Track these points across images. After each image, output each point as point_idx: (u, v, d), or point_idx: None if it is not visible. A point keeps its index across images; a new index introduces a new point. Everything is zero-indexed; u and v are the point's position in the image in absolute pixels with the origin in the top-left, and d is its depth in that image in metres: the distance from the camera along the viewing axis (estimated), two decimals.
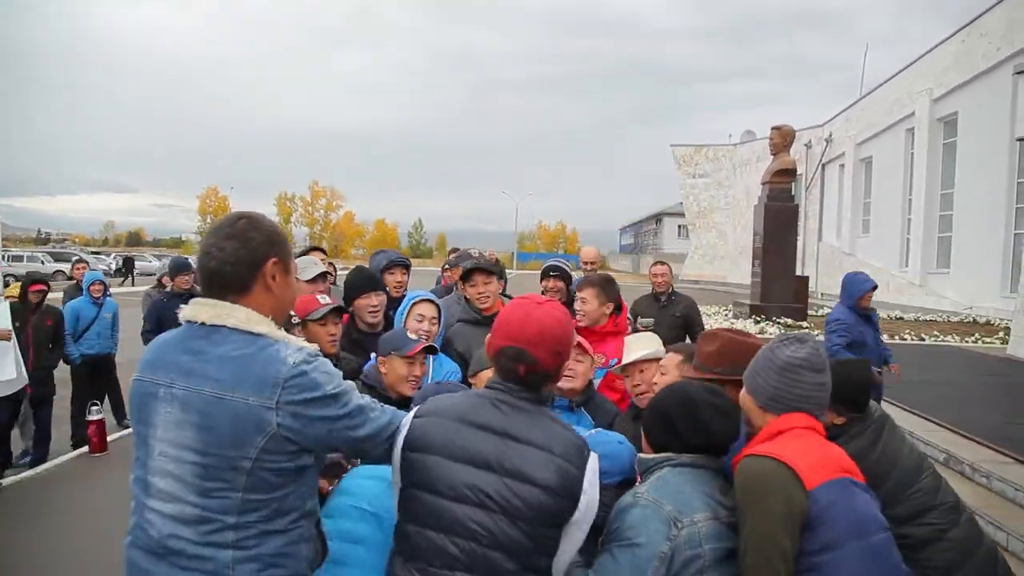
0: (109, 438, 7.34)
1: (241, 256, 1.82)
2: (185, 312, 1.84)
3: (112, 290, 8.63)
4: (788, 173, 15.43)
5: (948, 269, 19.00)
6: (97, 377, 7.90)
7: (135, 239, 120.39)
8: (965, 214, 18.17)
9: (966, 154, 18.23)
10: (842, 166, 26.46)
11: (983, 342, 12.70)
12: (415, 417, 1.87)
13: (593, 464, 1.83)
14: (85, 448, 7.38)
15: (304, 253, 5.70)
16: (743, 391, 2.09)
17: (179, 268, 7.28)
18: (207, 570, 1.72)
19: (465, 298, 3.95)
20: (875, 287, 5.80)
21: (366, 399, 1.88)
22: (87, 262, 11.75)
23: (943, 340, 12.81)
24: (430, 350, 3.07)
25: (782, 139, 15.35)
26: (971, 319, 15.76)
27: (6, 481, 6.43)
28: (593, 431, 2.40)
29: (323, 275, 4.19)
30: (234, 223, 1.87)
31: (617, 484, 2.16)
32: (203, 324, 1.81)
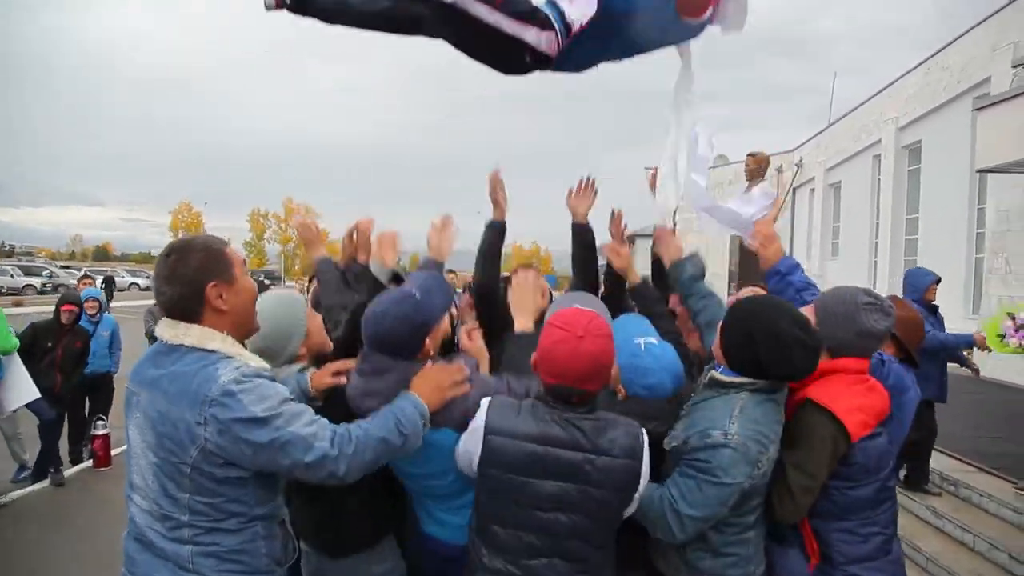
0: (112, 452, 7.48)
1: (183, 293, 1.97)
2: (157, 330, 2.04)
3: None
4: None
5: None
6: (95, 395, 7.91)
7: (102, 253, 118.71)
8: (930, 238, 18.83)
9: (930, 181, 18.92)
10: (812, 191, 27.16)
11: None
12: (489, 435, 2.07)
13: (646, 448, 2.11)
14: (88, 463, 7.51)
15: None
16: (812, 319, 2.31)
17: None
18: (173, 562, 1.89)
19: None
20: (939, 280, 5.97)
21: (313, 427, 1.94)
22: (92, 278, 11.67)
23: None
24: None
25: (757, 165, 15.62)
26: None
27: (14, 495, 6.51)
28: (646, 342, 2.41)
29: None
30: (165, 261, 1.99)
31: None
32: (165, 343, 1.99)
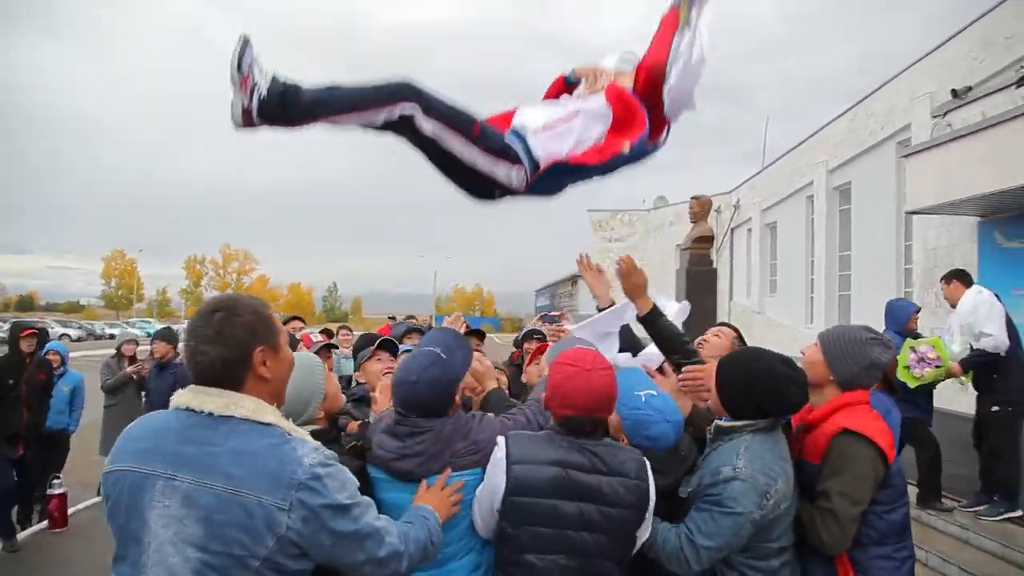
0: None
1: (227, 358, 1.74)
2: (184, 399, 1.74)
3: None
4: (707, 240, 16.53)
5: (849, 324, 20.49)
6: (51, 453, 7.25)
7: (27, 303, 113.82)
8: (862, 274, 19.79)
9: (860, 220, 19.95)
10: (749, 230, 28.22)
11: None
12: (512, 464, 2.18)
13: (650, 471, 2.28)
14: (42, 524, 6.93)
15: (285, 323, 6.06)
16: (820, 362, 2.61)
17: (163, 337, 7.39)
18: None
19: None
20: (919, 309, 6.27)
21: (382, 521, 1.83)
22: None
23: None
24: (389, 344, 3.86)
25: (701, 208, 16.47)
26: None
27: None
28: (647, 394, 2.49)
29: (327, 347, 4.32)
30: (209, 320, 1.76)
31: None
32: (209, 414, 1.71)
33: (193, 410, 1.72)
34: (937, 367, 5.51)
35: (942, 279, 6.48)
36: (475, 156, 2.58)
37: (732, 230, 29.95)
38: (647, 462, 2.29)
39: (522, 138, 2.73)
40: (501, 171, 2.65)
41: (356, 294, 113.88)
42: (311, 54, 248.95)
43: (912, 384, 5.63)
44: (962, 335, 5.89)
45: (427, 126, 2.50)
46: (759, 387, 2.37)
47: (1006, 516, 6.02)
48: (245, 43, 2.32)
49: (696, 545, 2.30)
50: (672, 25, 2.82)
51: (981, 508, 6.18)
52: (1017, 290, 9.90)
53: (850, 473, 2.43)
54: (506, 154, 2.67)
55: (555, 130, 2.80)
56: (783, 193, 24.81)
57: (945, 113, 11.47)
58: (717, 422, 2.51)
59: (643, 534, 2.30)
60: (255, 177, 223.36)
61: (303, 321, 6.07)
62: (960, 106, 11.07)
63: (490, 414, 2.60)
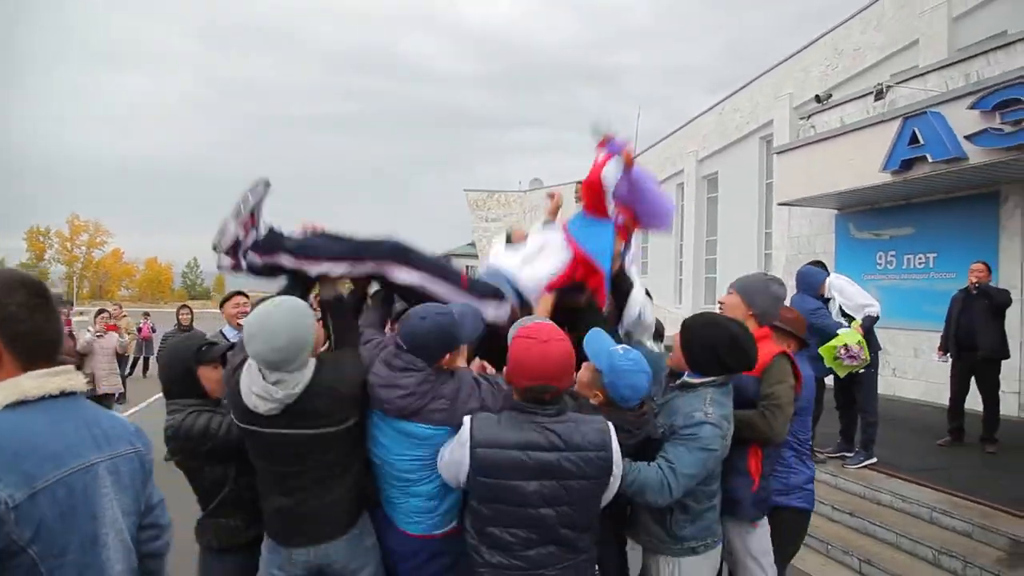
0: None
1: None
2: (47, 384, 1.60)
3: None
4: None
5: (715, 305, 22.17)
6: None
7: None
8: (727, 258, 21.44)
9: (725, 207, 21.57)
10: None
11: None
12: (476, 447, 2.32)
13: (615, 439, 2.43)
14: None
15: (227, 299, 6.03)
16: (739, 303, 3.33)
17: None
18: None
19: None
20: (828, 274, 6.92)
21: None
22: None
23: None
24: None
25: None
26: None
27: None
28: (622, 348, 2.74)
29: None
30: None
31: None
32: (71, 392, 1.66)
33: (59, 395, 1.62)
34: (862, 360, 6.38)
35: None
36: (463, 298, 2.90)
37: None
38: (611, 430, 2.45)
39: (507, 278, 3.17)
40: (490, 310, 2.98)
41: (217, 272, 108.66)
42: (175, 19, 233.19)
43: (842, 373, 6.49)
44: (843, 314, 6.84)
45: (412, 278, 2.85)
46: (725, 348, 2.80)
47: (866, 464, 7.13)
48: (266, 186, 2.70)
49: (677, 473, 2.65)
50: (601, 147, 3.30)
51: (849, 457, 7.26)
52: (867, 275, 11.31)
53: (787, 383, 3.16)
54: (496, 296, 3.03)
55: (533, 263, 3.28)
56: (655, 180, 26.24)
57: (810, 116, 12.77)
58: (686, 378, 2.92)
59: (608, 497, 2.49)
60: (108, 145, 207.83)
61: (246, 296, 6.07)
62: (822, 110, 12.36)
63: (472, 383, 2.66)
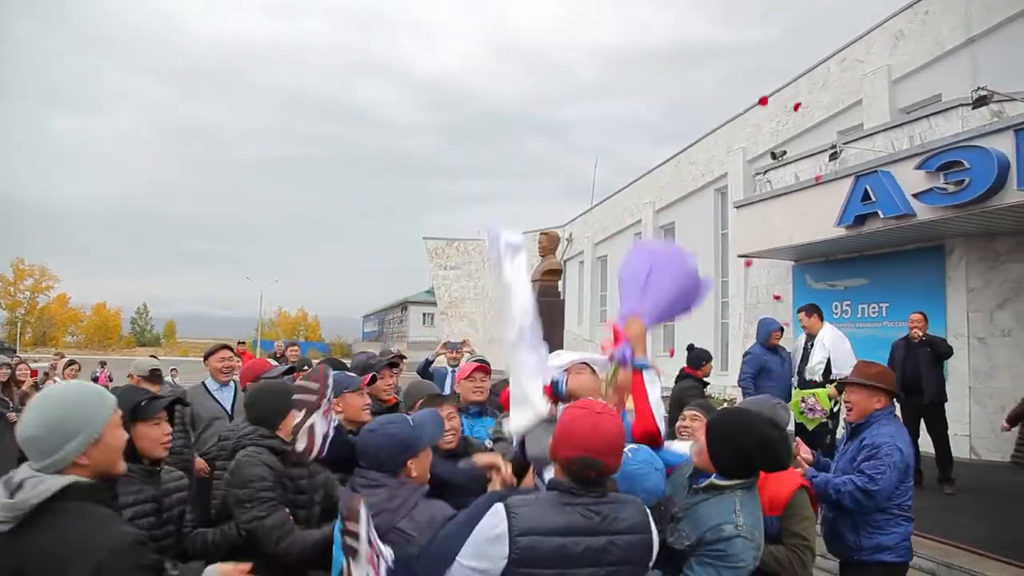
0: None
1: None
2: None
3: None
4: (555, 272, 17.74)
5: (673, 355, 22.69)
6: None
7: None
8: None
9: None
10: (582, 263, 30.21)
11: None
12: (517, 536, 2.09)
13: (651, 520, 2.30)
14: None
15: (213, 352, 5.99)
16: None
17: None
18: None
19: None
20: (782, 328, 7.56)
21: None
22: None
23: None
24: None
25: (549, 243, 17.57)
26: None
27: None
28: (628, 450, 2.53)
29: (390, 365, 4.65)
30: None
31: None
32: None
33: None
34: (822, 415, 6.75)
35: (801, 310, 7.84)
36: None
37: (565, 262, 31.85)
38: (648, 512, 2.31)
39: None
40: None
41: (169, 316, 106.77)
42: (124, 58, 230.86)
43: (810, 427, 6.83)
44: (820, 362, 7.24)
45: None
46: (755, 450, 2.55)
47: None
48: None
49: None
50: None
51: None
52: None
53: (810, 519, 3.05)
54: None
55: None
56: (613, 228, 26.92)
57: (766, 171, 13.42)
58: (713, 480, 2.63)
59: None
60: (53, 187, 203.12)
61: (231, 349, 5.89)
62: (778, 166, 13.02)
63: (430, 502, 2.56)
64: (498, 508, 2.16)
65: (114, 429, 2.00)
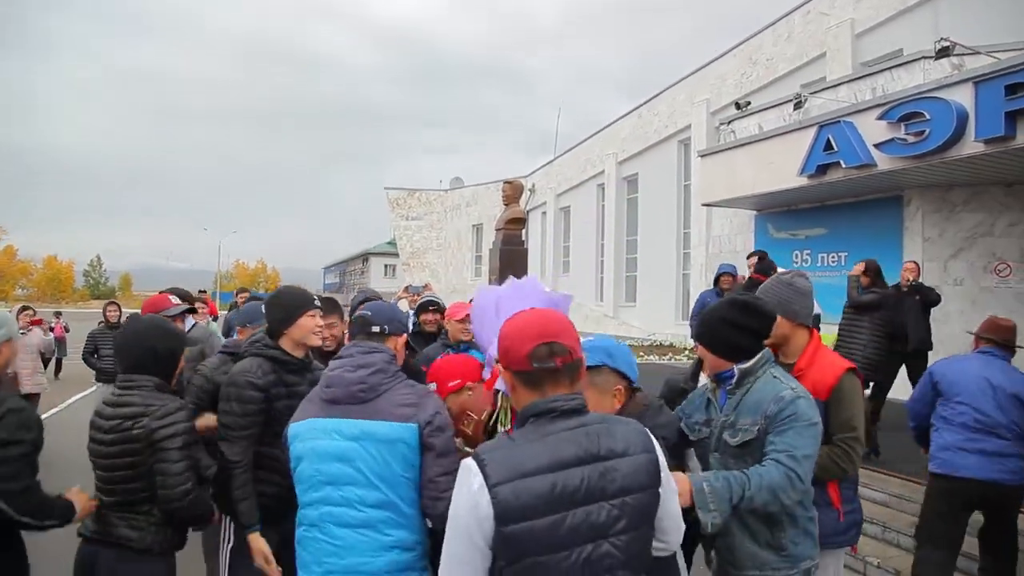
0: None
1: None
2: None
3: None
4: (519, 221, 17.81)
5: (635, 303, 23.01)
6: None
7: None
8: (646, 256, 22.27)
9: (645, 207, 22.39)
10: (544, 213, 30.22)
11: (675, 359, 16.07)
12: (494, 486, 1.61)
13: (652, 437, 1.82)
14: None
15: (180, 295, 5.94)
16: (781, 320, 2.67)
17: None
18: None
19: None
20: (732, 273, 7.75)
21: None
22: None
23: (647, 359, 15.96)
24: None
25: (513, 191, 17.66)
26: (657, 343, 19.47)
27: None
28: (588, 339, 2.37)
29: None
30: None
31: None
32: None
33: None
34: None
35: (752, 255, 7.92)
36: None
37: (528, 212, 31.82)
38: (647, 431, 1.83)
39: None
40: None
41: (124, 269, 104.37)
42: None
43: None
44: None
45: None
46: (746, 322, 2.47)
47: None
48: None
49: (799, 458, 2.31)
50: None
51: None
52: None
53: (859, 405, 2.76)
54: None
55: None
56: (576, 180, 26.95)
57: (730, 121, 13.52)
58: (739, 366, 2.49)
59: (669, 526, 1.85)
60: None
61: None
62: (741, 116, 13.13)
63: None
64: (466, 464, 1.69)
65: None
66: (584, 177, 26.27)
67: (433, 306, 5.37)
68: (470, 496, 1.63)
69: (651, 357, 16.33)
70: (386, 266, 60.86)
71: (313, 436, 2.28)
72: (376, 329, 2.46)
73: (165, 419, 2.59)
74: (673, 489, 1.87)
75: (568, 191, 28.02)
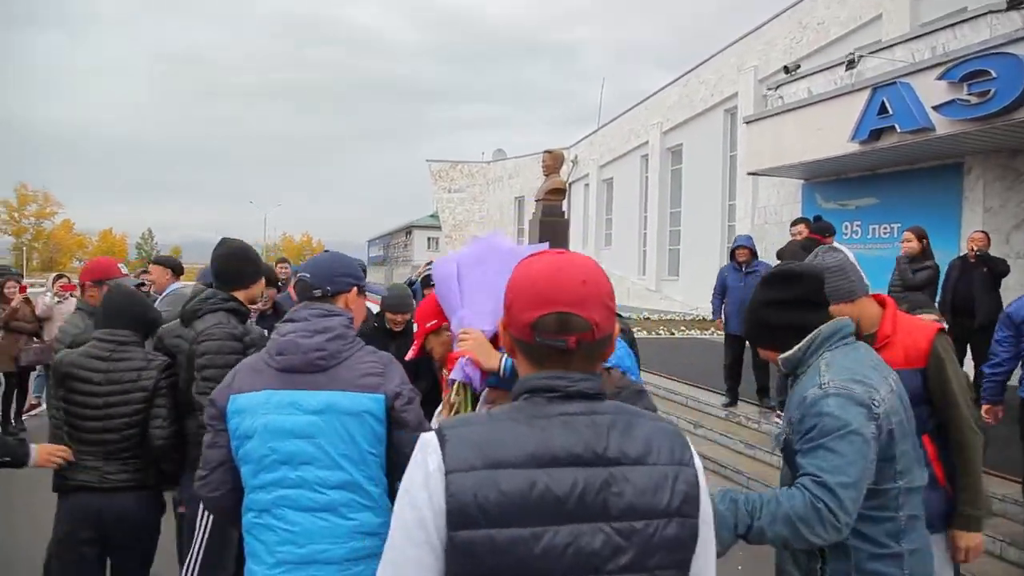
0: None
1: None
2: None
3: None
4: (559, 192, 17.44)
5: (678, 276, 22.50)
6: None
7: None
8: (689, 229, 21.70)
9: (690, 179, 21.78)
10: (587, 185, 29.74)
11: (717, 334, 15.60)
12: (450, 472, 1.12)
13: (691, 447, 1.27)
14: None
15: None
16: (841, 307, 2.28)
17: None
18: None
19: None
20: (748, 247, 7.58)
21: None
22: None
23: (688, 334, 15.54)
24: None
25: (554, 161, 17.31)
26: (700, 317, 18.99)
27: None
28: None
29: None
30: None
31: None
32: None
33: None
34: None
35: (796, 222, 7.45)
36: None
37: (571, 184, 31.37)
38: (681, 433, 1.28)
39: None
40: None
41: (174, 241, 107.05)
42: None
43: None
44: None
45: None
46: (788, 294, 2.08)
47: None
48: None
49: (830, 487, 1.76)
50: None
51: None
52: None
53: (955, 365, 2.46)
54: None
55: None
56: (620, 151, 26.38)
57: (778, 86, 12.91)
58: (780, 359, 2.12)
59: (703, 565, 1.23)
60: (50, 112, 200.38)
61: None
62: (790, 81, 12.51)
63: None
64: (425, 438, 1.21)
65: None
66: (627, 148, 25.69)
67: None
68: (424, 480, 1.14)
69: (692, 332, 15.89)
70: (429, 239, 60.96)
71: (266, 410, 1.98)
72: (318, 293, 2.17)
73: (167, 371, 2.98)
74: (711, 528, 1.25)
75: (611, 162, 27.48)
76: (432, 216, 50.94)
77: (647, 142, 23.95)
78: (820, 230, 6.92)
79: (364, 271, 2.98)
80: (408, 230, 69.16)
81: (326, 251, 2.70)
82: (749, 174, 13.23)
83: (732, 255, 7.67)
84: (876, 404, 1.88)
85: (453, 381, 2.21)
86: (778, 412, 7.42)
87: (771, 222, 13.58)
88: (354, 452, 1.98)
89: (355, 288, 2.27)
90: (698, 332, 15.95)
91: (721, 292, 7.65)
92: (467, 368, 2.16)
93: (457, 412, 2.19)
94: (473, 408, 2.19)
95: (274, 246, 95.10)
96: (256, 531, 2.02)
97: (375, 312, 4.48)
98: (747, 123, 12.83)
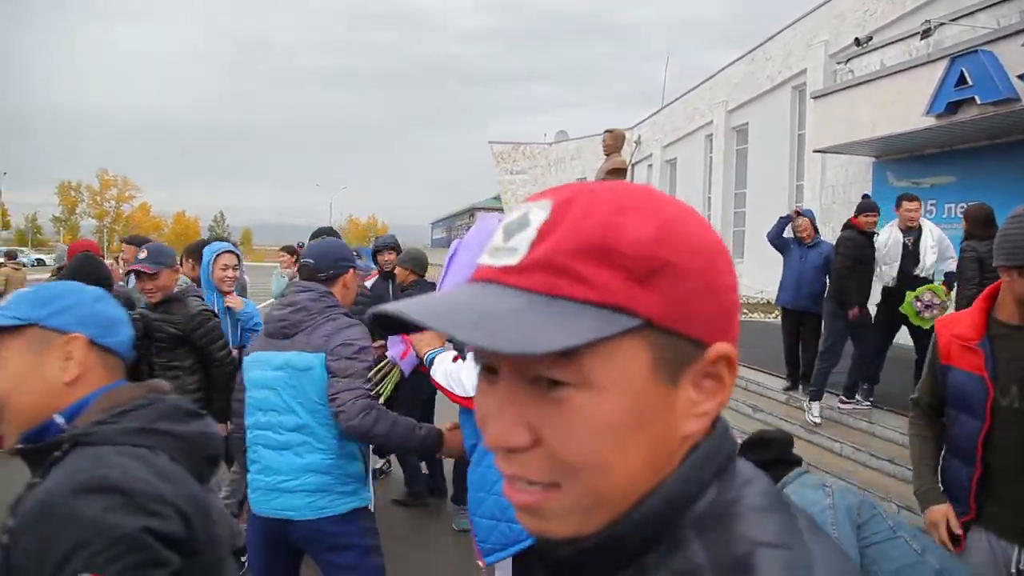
0: None
1: None
2: None
3: None
4: (619, 172, 17.12)
5: (743, 259, 21.96)
6: None
7: None
8: (755, 211, 21.11)
9: (756, 159, 21.17)
10: (650, 166, 29.29)
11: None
12: None
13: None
14: None
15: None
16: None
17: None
18: None
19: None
20: (790, 217, 7.83)
21: None
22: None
23: (752, 316, 15.17)
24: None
25: (614, 141, 16.92)
26: (765, 300, 18.51)
27: None
28: None
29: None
30: None
31: None
32: None
33: None
34: (942, 309, 6.18)
35: (906, 198, 7.16)
36: None
37: (633, 165, 30.93)
38: None
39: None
40: None
41: (244, 225, 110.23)
42: None
43: (926, 327, 6.13)
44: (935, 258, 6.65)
45: None
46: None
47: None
48: None
49: None
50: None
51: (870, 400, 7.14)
52: None
53: None
54: None
55: None
56: (683, 131, 25.84)
57: (848, 60, 12.37)
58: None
59: None
60: (127, 100, 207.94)
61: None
62: (861, 54, 11.97)
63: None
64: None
65: None
66: (691, 128, 25.14)
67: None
68: None
69: (755, 315, 15.50)
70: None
71: (250, 367, 2.54)
72: (322, 276, 2.60)
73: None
74: None
75: (675, 142, 26.95)
76: (495, 198, 51.01)
77: (711, 121, 23.38)
78: (864, 208, 6.98)
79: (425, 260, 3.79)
80: (471, 212, 69.47)
81: (322, 239, 3.25)
82: (816, 151, 12.73)
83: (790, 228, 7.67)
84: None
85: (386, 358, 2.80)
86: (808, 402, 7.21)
87: (839, 202, 13.09)
88: (305, 401, 2.40)
89: (352, 270, 2.69)
90: (762, 315, 15.58)
91: (780, 247, 7.81)
92: (394, 350, 2.74)
93: (379, 384, 2.75)
94: (395, 388, 2.85)
95: (341, 228, 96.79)
96: (248, 461, 2.55)
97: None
98: (815, 98, 12.33)
